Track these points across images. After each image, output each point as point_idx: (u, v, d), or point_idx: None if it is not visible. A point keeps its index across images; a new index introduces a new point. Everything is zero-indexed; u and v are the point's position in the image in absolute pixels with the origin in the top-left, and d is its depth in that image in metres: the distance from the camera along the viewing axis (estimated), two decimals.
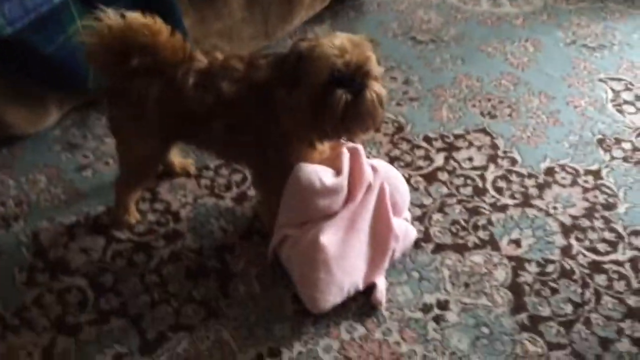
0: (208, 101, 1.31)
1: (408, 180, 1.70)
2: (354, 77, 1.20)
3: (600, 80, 2.13)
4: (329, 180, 1.35)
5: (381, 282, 1.40)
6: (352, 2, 2.55)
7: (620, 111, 1.99)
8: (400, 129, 1.90)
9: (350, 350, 1.31)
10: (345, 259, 1.34)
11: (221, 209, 1.61)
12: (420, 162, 1.78)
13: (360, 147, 1.43)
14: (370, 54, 1.23)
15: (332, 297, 1.32)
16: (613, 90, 2.08)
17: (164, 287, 1.42)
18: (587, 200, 1.68)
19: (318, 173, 1.34)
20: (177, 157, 1.69)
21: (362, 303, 1.39)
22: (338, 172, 1.38)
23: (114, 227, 1.56)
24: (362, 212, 1.40)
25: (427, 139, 1.87)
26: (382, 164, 1.51)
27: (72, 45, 1.54)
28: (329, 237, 1.34)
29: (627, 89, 2.09)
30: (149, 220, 1.58)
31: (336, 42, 1.21)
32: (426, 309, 1.40)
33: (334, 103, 1.19)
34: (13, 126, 1.73)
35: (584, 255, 1.53)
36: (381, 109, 1.26)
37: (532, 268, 1.49)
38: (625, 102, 2.03)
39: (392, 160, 1.79)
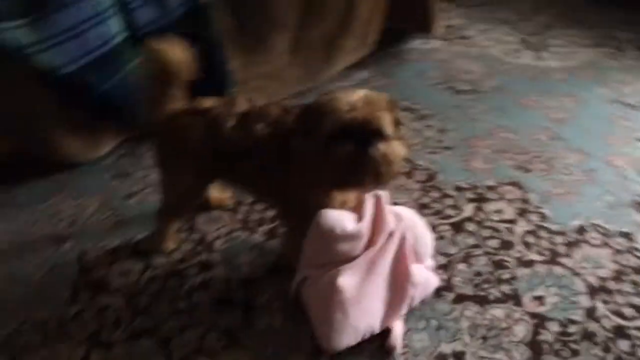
0: (243, 142, 1.42)
1: (435, 228, 1.75)
2: (360, 133, 1.26)
3: None
4: (350, 226, 1.41)
5: (398, 327, 1.44)
6: (395, 50, 2.64)
7: None
8: (431, 177, 1.96)
9: None
10: (362, 301, 1.40)
11: (252, 243, 1.70)
12: (449, 211, 1.83)
13: (384, 194, 1.50)
14: (380, 113, 1.28)
15: (347, 337, 1.38)
16: None
17: (192, 313, 1.51)
18: (617, 262, 1.67)
19: (339, 219, 1.40)
20: (214, 191, 1.79)
21: (378, 346, 1.43)
22: (360, 218, 1.45)
23: (152, 252, 1.66)
24: (382, 257, 1.45)
25: (458, 189, 1.91)
26: (406, 212, 1.56)
27: (125, 84, 1.69)
28: (347, 280, 1.40)
29: None
30: (184, 249, 1.68)
31: (351, 98, 1.28)
32: (442, 358, 1.43)
33: (335, 154, 1.26)
34: (69, 155, 1.89)
35: (609, 319, 1.52)
36: (386, 168, 1.30)
37: (554, 327, 1.50)
38: None
39: (421, 207, 1.84)
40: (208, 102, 1.50)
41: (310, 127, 1.31)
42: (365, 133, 1.27)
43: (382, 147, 1.29)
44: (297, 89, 2.32)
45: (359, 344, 1.42)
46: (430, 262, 1.60)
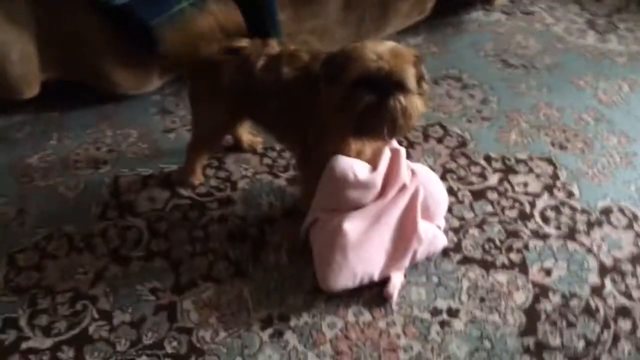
0: (269, 82, 1.48)
1: (455, 193, 1.76)
2: (383, 83, 1.29)
3: None
4: (363, 174, 1.45)
5: (397, 278, 1.48)
6: (453, 19, 2.60)
7: None
8: (463, 144, 1.95)
9: (351, 332, 1.40)
10: (363, 247, 1.44)
11: (274, 187, 1.77)
12: (474, 179, 1.83)
13: (402, 149, 1.52)
14: (406, 66, 1.31)
15: (344, 279, 1.43)
16: None
17: (206, 242, 1.60)
18: (637, 246, 1.64)
19: (353, 167, 1.44)
20: (247, 134, 1.87)
21: (376, 293, 1.48)
22: (374, 168, 1.48)
23: (179, 184, 1.76)
24: (391, 208, 1.48)
25: (487, 158, 1.90)
26: (423, 169, 1.58)
27: (173, 22, 1.76)
28: (353, 225, 1.44)
29: None
30: (210, 185, 1.77)
31: (378, 48, 1.30)
32: (435, 312, 1.46)
33: (356, 101, 1.29)
34: (119, 85, 2.00)
35: (615, 299, 1.50)
36: (404, 120, 1.32)
37: (556, 298, 1.50)
38: None
39: (446, 171, 1.84)
40: (242, 42, 1.55)
41: (336, 72, 1.34)
42: (388, 84, 1.30)
43: (402, 99, 1.31)
44: None
45: (358, 289, 1.47)
46: (442, 222, 1.62)
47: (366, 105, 1.31)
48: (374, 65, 1.28)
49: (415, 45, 2.46)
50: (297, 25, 2.20)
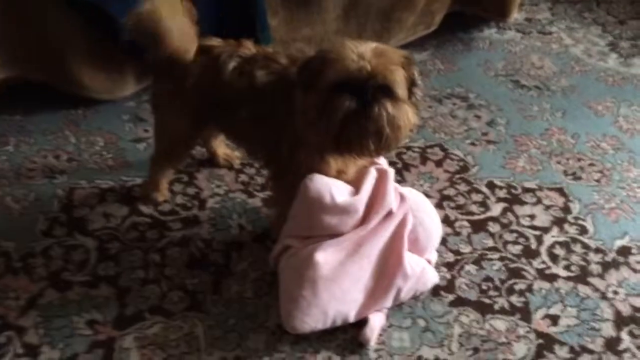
0: (240, 86, 1.30)
1: (451, 223, 1.55)
2: (365, 87, 1.10)
3: None
4: (342, 197, 1.25)
5: (376, 319, 1.27)
6: (463, 36, 2.41)
7: None
8: (464, 168, 1.75)
9: None
10: (337, 283, 1.23)
11: (247, 207, 1.57)
12: (474, 208, 1.62)
13: (390, 169, 1.32)
14: (393, 68, 1.12)
15: (312, 320, 1.22)
16: None
17: (161, 268, 1.40)
18: None
19: (331, 187, 1.24)
20: (222, 147, 1.67)
21: (351, 337, 1.27)
22: (357, 191, 1.28)
23: (141, 200, 1.57)
24: (373, 238, 1.28)
25: (491, 186, 1.69)
26: (414, 194, 1.39)
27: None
28: (326, 256, 1.23)
29: None
30: (176, 202, 1.58)
31: (360, 47, 1.12)
32: None
33: (335, 107, 1.10)
34: (89, 88, 1.82)
35: (634, 356, 1.28)
36: (392, 132, 1.14)
37: (562, 352, 1.28)
38: None
39: (443, 198, 1.64)
40: (213, 42, 1.37)
41: (312, 77, 1.17)
42: (371, 87, 1.12)
43: (388, 106, 1.13)
44: None
45: (329, 331, 1.27)
46: (433, 255, 1.42)
47: (346, 113, 1.12)
48: (354, 65, 1.10)
49: (421, 61, 2.27)
50: (291, 32, 2.03)
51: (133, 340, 1.24)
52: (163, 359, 1.22)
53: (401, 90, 1.14)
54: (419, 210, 1.35)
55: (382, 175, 1.31)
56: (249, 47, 1.35)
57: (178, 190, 1.62)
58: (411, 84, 1.17)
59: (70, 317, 1.28)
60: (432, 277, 1.36)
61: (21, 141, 1.75)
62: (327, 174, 1.28)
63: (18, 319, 1.27)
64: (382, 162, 1.38)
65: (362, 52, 1.11)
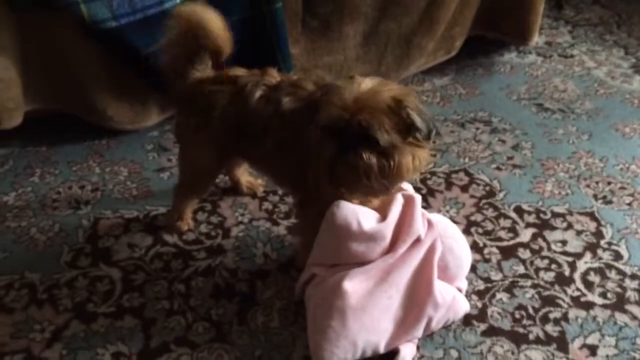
0: (266, 114, 1.28)
1: (480, 250, 1.51)
2: (344, 135, 1.12)
3: None
4: (369, 224, 1.23)
5: (407, 350, 1.23)
6: (484, 60, 2.40)
7: None
8: (491, 193, 1.71)
9: None
10: (366, 312, 1.20)
11: (272, 235, 1.55)
12: (502, 234, 1.58)
13: (417, 196, 1.29)
14: (375, 117, 1.10)
15: (341, 351, 1.18)
16: None
17: (186, 299, 1.38)
18: None
19: (357, 214, 1.22)
20: (245, 175, 1.66)
21: None
22: (383, 218, 1.25)
23: (165, 230, 1.56)
24: (401, 266, 1.24)
25: (519, 211, 1.65)
26: (442, 221, 1.36)
27: None
28: (354, 285, 1.20)
29: None
30: (200, 231, 1.56)
31: (347, 93, 1.12)
32: None
33: (323, 148, 1.14)
34: (113, 119, 1.83)
35: None
36: (389, 176, 1.15)
37: None
38: None
39: (470, 224, 1.61)
40: (238, 71, 1.37)
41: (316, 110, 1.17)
42: (347, 136, 1.12)
43: (364, 154, 1.12)
44: None
45: None
46: (464, 283, 1.38)
47: (329, 157, 1.14)
48: (335, 112, 1.12)
49: (442, 86, 2.26)
50: (312, 59, 2.04)
51: None
52: None
53: (383, 137, 1.11)
54: (447, 237, 1.32)
55: (409, 201, 1.29)
56: (274, 75, 1.34)
57: (202, 219, 1.60)
58: (407, 127, 1.14)
59: (95, 349, 1.27)
60: (464, 306, 1.32)
61: (46, 172, 1.77)
62: (352, 201, 1.26)
63: (43, 352, 1.26)
64: (408, 187, 1.36)
65: (345, 98, 1.11)
